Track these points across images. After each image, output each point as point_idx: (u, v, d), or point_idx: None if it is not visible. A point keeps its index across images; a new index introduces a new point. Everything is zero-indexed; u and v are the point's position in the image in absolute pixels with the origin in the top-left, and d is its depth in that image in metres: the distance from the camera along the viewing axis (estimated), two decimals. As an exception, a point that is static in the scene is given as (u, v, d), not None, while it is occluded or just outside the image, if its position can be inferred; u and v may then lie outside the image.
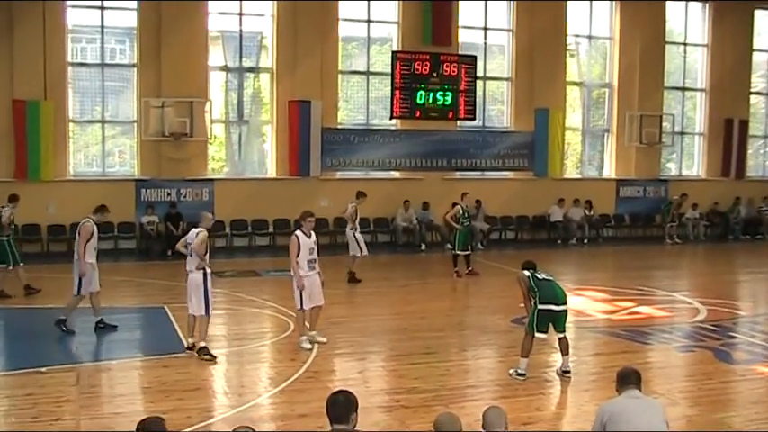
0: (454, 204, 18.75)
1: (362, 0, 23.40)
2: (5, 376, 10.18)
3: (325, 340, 11.85)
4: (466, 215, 18.48)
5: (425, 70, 22.40)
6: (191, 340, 11.20)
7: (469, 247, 18.73)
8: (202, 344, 11.00)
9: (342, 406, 5.37)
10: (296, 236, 11.62)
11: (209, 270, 11.16)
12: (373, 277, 17.56)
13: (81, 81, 21.78)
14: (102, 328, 12.60)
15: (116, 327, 12.68)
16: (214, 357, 10.93)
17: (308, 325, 11.88)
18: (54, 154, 20.72)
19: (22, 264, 15.52)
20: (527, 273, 10.45)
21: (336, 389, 9.36)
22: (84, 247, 12.34)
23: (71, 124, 21.60)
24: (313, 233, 11.79)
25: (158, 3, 21.18)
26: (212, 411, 8.96)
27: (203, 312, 11.02)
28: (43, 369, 10.20)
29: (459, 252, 18.33)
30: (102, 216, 12.68)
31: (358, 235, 17.50)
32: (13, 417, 8.58)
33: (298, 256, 11.50)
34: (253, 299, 15.21)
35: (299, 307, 11.65)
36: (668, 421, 6.15)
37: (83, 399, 9.18)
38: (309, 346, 11.53)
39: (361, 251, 17.35)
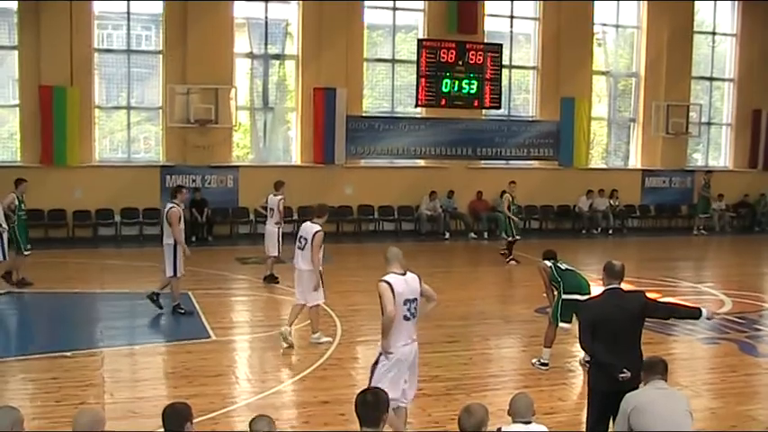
0: (503, 193, 19.12)
1: (388, -13, 23.37)
2: (31, 360, 10.28)
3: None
4: (514, 202, 18.90)
5: (451, 58, 22.23)
6: None
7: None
8: None
9: (371, 407, 5.14)
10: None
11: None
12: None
13: (107, 67, 21.83)
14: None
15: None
16: None
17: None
18: (80, 140, 20.80)
19: (26, 252, 14.77)
20: (548, 263, 10.44)
21: (358, 378, 9.51)
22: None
23: (97, 110, 21.67)
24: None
25: (184, -11, 21.23)
26: (235, 397, 9.00)
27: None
28: (68, 353, 10.30)
29: (516, 238, 18.72)
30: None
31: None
32: (38, 400, 8.66)
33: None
34: (276, 285, 15.25)
35: (320, 302, 11.36)
36: (692, 413, 6.10)
37: (107, 383, 9.25)
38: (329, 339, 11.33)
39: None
